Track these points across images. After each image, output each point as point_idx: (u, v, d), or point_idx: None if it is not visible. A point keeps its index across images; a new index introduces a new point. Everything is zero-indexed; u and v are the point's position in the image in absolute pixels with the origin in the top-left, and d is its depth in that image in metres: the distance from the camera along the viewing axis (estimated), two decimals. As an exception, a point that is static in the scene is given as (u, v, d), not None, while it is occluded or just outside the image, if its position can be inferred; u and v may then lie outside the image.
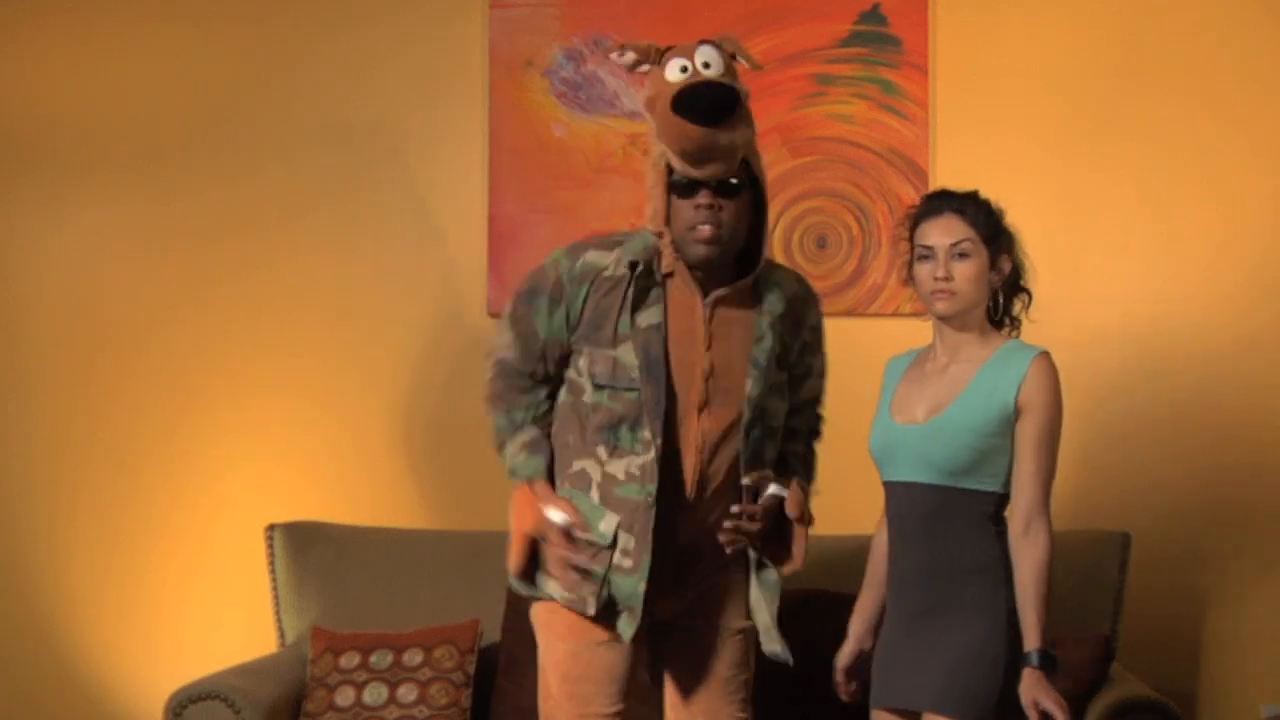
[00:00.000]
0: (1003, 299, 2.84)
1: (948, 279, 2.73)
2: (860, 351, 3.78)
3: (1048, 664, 2.64)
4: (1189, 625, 3.92)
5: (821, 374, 3.03)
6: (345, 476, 4.22)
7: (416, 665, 3.63)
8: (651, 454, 2.76)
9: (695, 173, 2.70)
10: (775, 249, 4.07)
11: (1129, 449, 3.95)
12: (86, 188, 4.32)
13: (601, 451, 2.81)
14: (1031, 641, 2.64)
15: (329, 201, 4.23)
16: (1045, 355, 2.73)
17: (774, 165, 4.04)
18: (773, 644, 2.91)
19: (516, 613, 3.68)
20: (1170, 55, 3.97)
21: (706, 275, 2.80)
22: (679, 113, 2.67)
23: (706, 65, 2.74)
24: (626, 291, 2.78)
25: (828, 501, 3.86)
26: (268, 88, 4.26)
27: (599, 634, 2.83)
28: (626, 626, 2.80)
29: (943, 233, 2.74)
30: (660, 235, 2.79)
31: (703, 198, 2.72)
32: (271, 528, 3.98)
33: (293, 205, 4.25)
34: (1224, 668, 3.92)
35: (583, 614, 2.81)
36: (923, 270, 2.77)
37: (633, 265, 2.80)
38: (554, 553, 2.79)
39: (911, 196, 3.96)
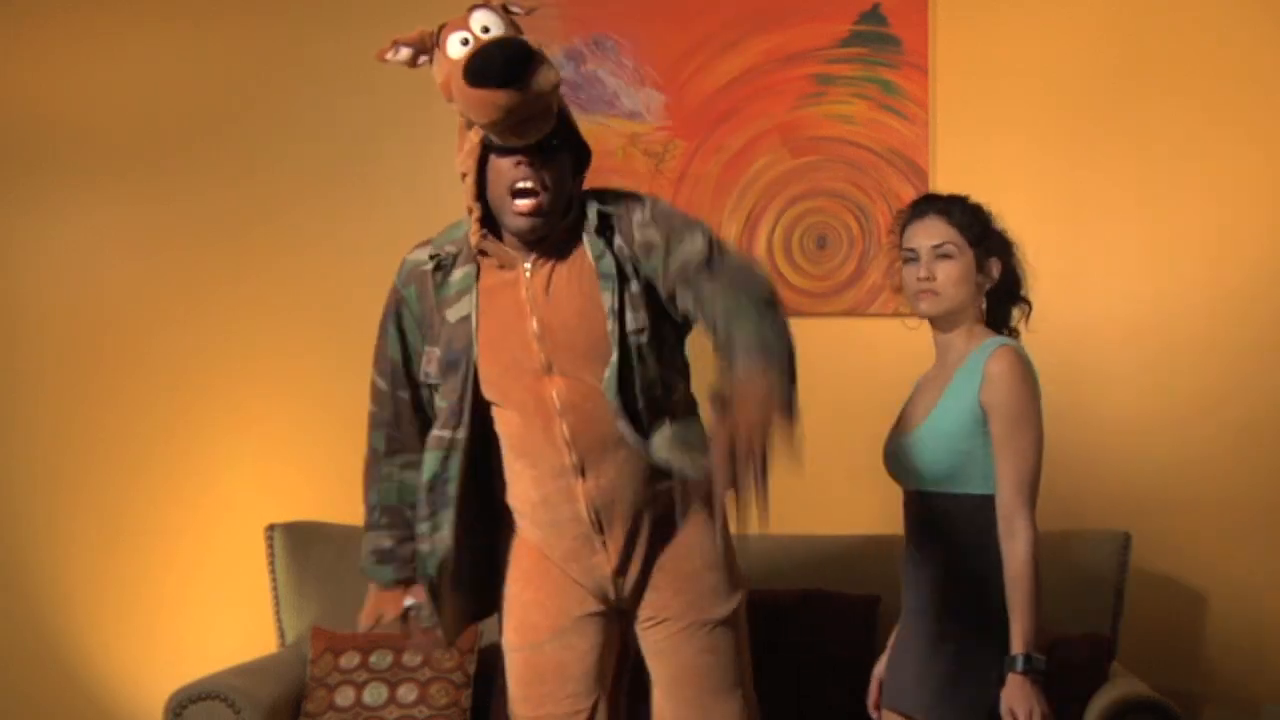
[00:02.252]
0: (999, 306, 2.83)
1: (930, 279, 2.73)
2: (860, 351, 3.80)
3: (1031, 669, 2.59)
4: (1189, 625, 3.92)
5: (688, 238, 2.64)
6: (345, 476, 4.19)
7: (416, 665, 3.64)
8: (447, 448, 2.74)
9: (517, 141, 2.54)
10: (775, 249, 4.07)
11: (1129, 449, 3.95)
12: (86, 188, 4.32)
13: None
14: (1015, 645, 2.60)
15: (329, 201, 4.23)
16: (1004, 350, 2.69)
17: (774, 165, 4.05)
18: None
19: (516, 613, 3.69)
20: (1170, 55, 3.97)
21: (524, 240, 2.68)
22: (476, 84, 2.47)
23: (486, 30, 2.56)
24: (433, 287, 2.74)
25: (828, 502, 3.86)
26: (267, 88, 4.26)
27: (548, 635, 2.80)
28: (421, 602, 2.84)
29: (926, 234, 2.75)
30: (470, 211, 2.66)
31: (520, 155, 2.57)
32: (271, 528, 3.98)
33: (292, 205, 4.25)
34: (1224, 668, 3.92)
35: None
36: (908, 272, 2.78)
37: (432, 258, 2.75)
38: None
39: (912, 196, 3.95)
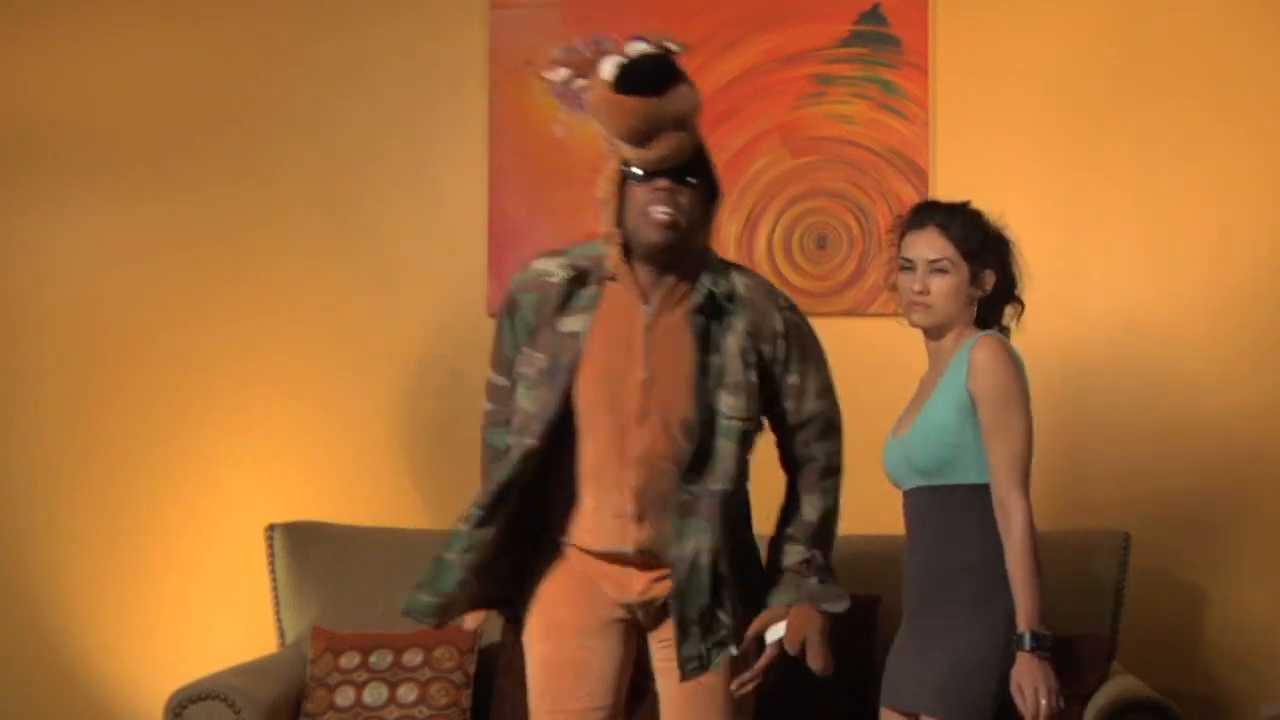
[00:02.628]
0: (993, 307, 2.84)
1: (924, 293, 2.76)
2: (860, 351, 3.80)
3: (1039, 645, 2.61)
4: (1189, 625, 3.92)
5: (821, 396, 2.85)
6: (345, 476, 4.22)
7: (416, 665, 3.63)
8: (524, 454, 2.73)
9: (651, 155, 2.63)
10: (775, 249, 4.07)
11: (1128, 449, 3.95)
12: (86, 188, 4.32)
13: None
14: (1021, 623, 2.62)
15: (329, 201, 4.23)
16: (986, 340, 2.72)
17: (774, 165, 4.05)
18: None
19: (516, 613, 3.69)
20: (1170, 55, 3.97)
21: (653, 278, 2.75)
22: (621, 91, 2.61)
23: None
24: (559, 297, 2.77)
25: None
26: (268, 88, 4.26)
27: (573, 633, 2.82)
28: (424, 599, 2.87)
29: (924, 247, 2.77)
30: (609, 238, 2.74)
31: (660, 182, 2.67)
32: (271, 528, 3.98)
33: (292, 205, 4.24)
34: (1224, 668, 3.92)
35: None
36: (904, 280, 2.80)
37: (564, 268, 2.78)
38: None
39: (911, 196, 3.96)
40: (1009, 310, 2.86)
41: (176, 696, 3.43)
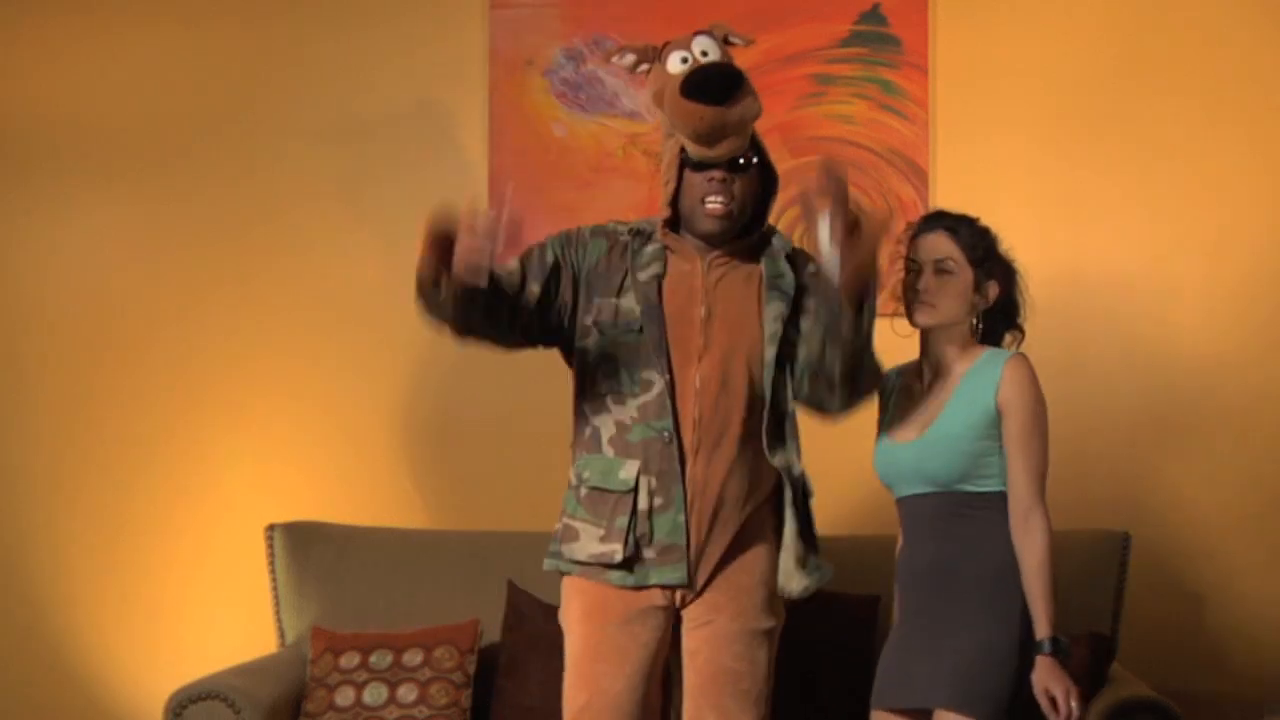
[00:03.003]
0: (994, 329, 2.91)
1: (927, 291, 2.84)
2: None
3: (1058, 650, 2.71)
4: (1189, 625, 3.92)
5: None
6: (345, 476, 4.22)
7: (416, 665, 3.63)
8: (654, 392, 2.84)
9: (710, 153, 2.80)
10: (775, 249, 4.07)
11: (1129, 449, 3.95)
12: (87, 188, 4.32)
13: (609, 402, 2.89)
14: (1041, 630, 2.71)
15: (329, 202, 4.23)
16: (1019, 357, 2.83)
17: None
18: (791, 582, 2.91)
19: (516, 613, 3.69)
20: (1170, 55, 3.97)
21: (708, 247, 2.91)
22: (689, 97, 2.77)
23: (705, 54, 2.88)
24: (629, 252, 2.93)
25: (829, 502, 3.87)
26: (268, 88, 4.26)
27: (613, 615, 2.87)
28: (674, 571, 2.84)
29: (930, 248, 2.86)
30: (663, 215, 2.90)
31: (716, 173, 2.83)
32: (271, 528, 3.98)
33: (293, 205, 4.25)
34: (1224, 668, 3.92)
35: (610, 565, 2.85)
36: (909, 282, 2.89)
37: (635, 232, 2.96)
38: (460, 246, 2.66)
39: (911, 196, 3.96)
40: (1009, 337, 2.93)
41: (176, 696, 3.43)
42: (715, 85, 2.78)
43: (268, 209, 4.27)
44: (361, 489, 4.19)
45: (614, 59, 2.99)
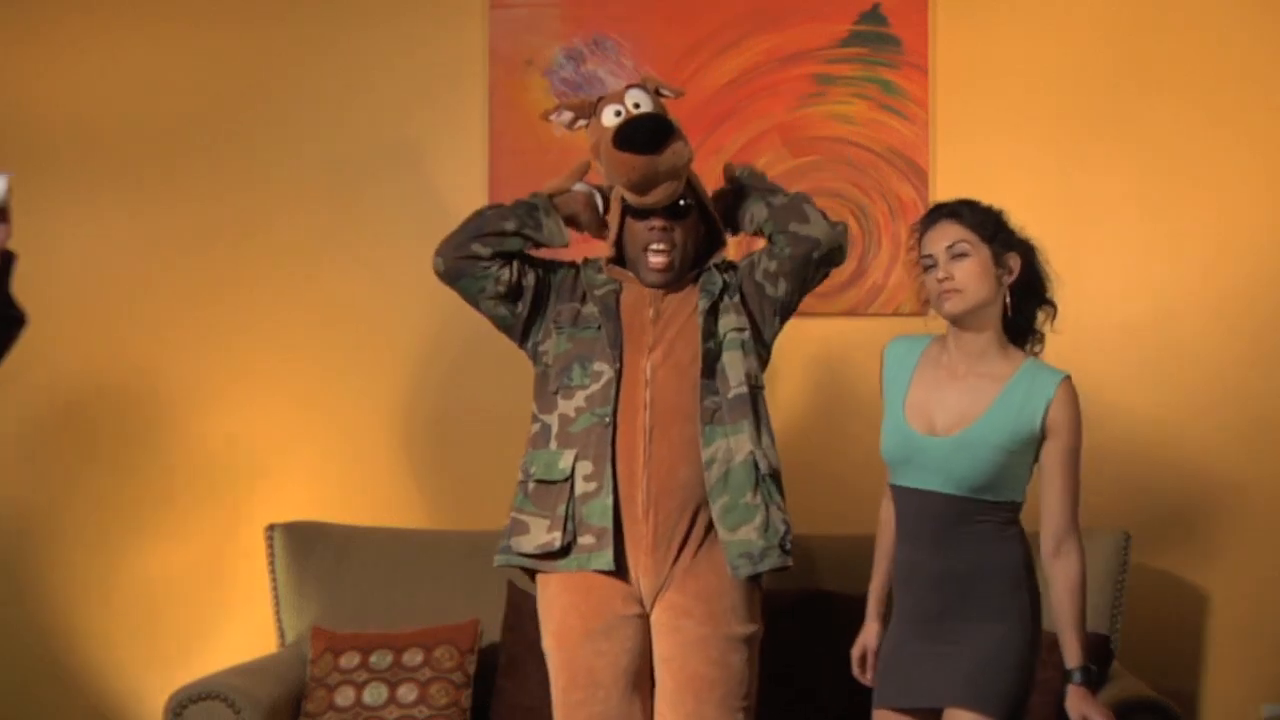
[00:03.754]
0: (1024, 309, 2.86)
1: (949, 279, 2.77)
2: (860, 351, 3.80)
3: (1090, 681, 2.72)
4: (1189, 625, 3.92)
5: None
6: (345, 477, 4.22)
7: (416, 665, 3.63)
8: (602, 381, 2.95)
9: (647, 200, 2.95)
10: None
11: (1129, 449, 3.95)
12: (87, 189, 4.32)
13: (559, 399, 2.99)
14: (1073, 659, 2.72)
15: (329, 202, 4.23)
16: (1069, 379, 2.78)
17: (774, 165, 4.04)
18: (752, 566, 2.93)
19: (517, 613, 3.69)
20: (1169, 56, 3.97)
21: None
22: (621, 148, 2.91)
23: (637, 105, 3.03)
24: (583, 277, 3.12)
25: (829, 502, 3.87)
26: (269, 89, 4.26)
27: (583, 638, 2.90)
28: (599, 557, 2.89)
29: (939, 238, 2.80)
30: (608, 261, 3.08)
31: (656, 220, 3.00)
32: (271, 528, 3.98)
33: (293, 206, 4.25)
34: (1224, 668, 3.92)
35: (551, 553, 2.92)
36: (929, 279, 2.81)
37: (587, 260, 3.15)
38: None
39: (911, 196, 3.96)
40: (1040, 315, 2.88)
41: (176, 696, 3.43)
42: (645, 136, 2.90)
43: (268, 209, 4.27)
44: (361, 489, 4.19)
45: (552, 117, 3.15)
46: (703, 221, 3.10)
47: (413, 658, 3.64)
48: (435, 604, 3.82)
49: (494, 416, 4.13)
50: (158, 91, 4.30)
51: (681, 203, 3.00)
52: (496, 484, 4.14)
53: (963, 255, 2.77)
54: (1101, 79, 3.99)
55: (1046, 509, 2.75)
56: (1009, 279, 2.80)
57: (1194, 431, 3.94)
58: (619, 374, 2.95)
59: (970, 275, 2.76)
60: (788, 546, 2.96)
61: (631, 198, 2.97)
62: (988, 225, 2.80)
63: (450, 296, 4.20)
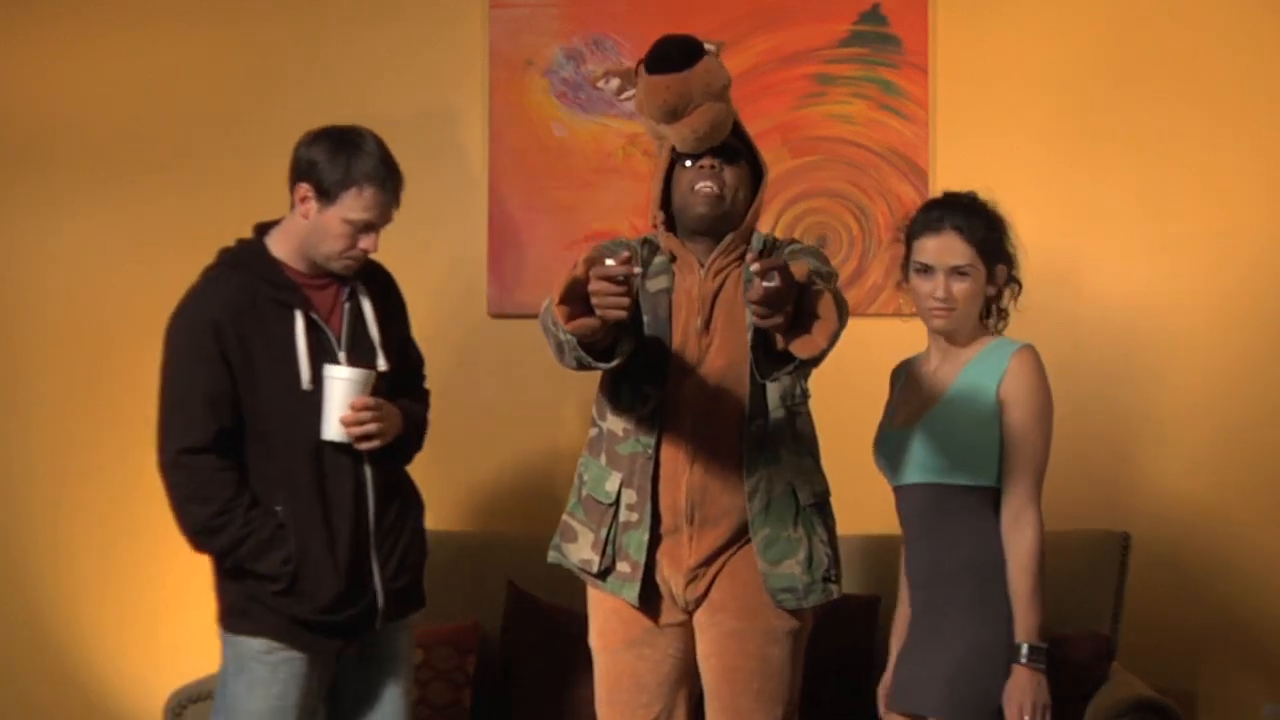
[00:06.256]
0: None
1: (947, 299, 2.74)
2: (860, 352, 3.78)
3: (1036, 659, 2.63)
4: (1189, 625, 3.91)
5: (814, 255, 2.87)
6: (345, 476, 4.21)
7: (416, 665, 3.62)
8: (648, 408, 2.81)
9: (685, 128, 2.75)
10: (775, 249, 4.08)
11: (1128, 449, 3.95)
12: (87, 189, 4.32)
13: (606, 411, 2.89)
14: (1020, 633, 2.64)
15: (329, 202, 4.23)
16: (1027, 349, 2.74)
17: (774, 165, 4.01)
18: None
19: (517, 612, 3.69)
20: (1170, 55, 3.97)
21: (705, 251, 2.85)
22: (652, 71, 2.76)
23: None
24: (640, 260, 2.88)
25: (833, 503, 3.85)
26: (268, 89, 4.26)
27: (625, 644, 2.88)
28: (628, 586, 2.83)
29: (944, 252, 2.75)
30: (656, 226, 2.88)
31: (705, 160, 2.81)
32: (271, 528, 3.97)
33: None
34: (1224, 668, 3.91)
35: (590, 573, 2.87)
36: (922, 286, 2.77)
37: (644, 241, 2.93)
38: (594, 284, 2.49)
39: (911, 196, 3.96)
40: (1006, 293, 2.85)
41: (176, 696, 3.43)
42: (674, 53, 2.77)
43: (268, 210, 4.24)
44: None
45: (600, 84, 3.02)
46: (752, 177, 2.90)
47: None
48: (435, 604, 3.80)
49: (495, 416, 4.13)
50: (157, 92, 4.30)
51: (728, 144, 2.82)
52: (497, 484, 4.15)
53: (964, 276, 2.74)
54: (1102, 79, 3.99)
55: (1005, 480, 2.70)
56: (994, 291, 2.81)
57: (1193, 431, 3.94)
58: (663, 401, 2.81)
59: (968, 297, 2.75)
60: (833, 577, 2.87)
61: (671, 131, 2.78)
62: (990, 240, 2.76)
63: (450, 296, 4.23)
